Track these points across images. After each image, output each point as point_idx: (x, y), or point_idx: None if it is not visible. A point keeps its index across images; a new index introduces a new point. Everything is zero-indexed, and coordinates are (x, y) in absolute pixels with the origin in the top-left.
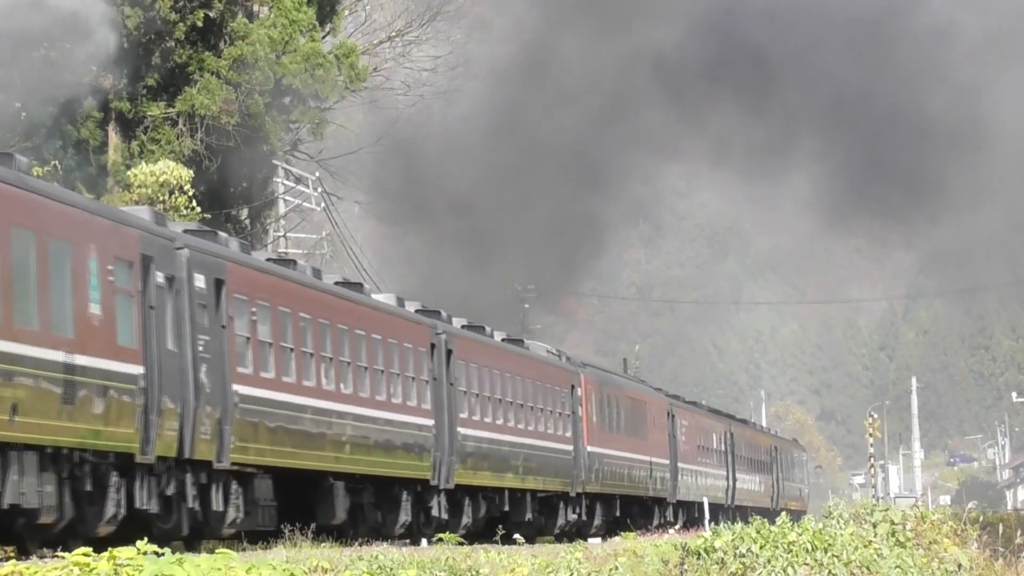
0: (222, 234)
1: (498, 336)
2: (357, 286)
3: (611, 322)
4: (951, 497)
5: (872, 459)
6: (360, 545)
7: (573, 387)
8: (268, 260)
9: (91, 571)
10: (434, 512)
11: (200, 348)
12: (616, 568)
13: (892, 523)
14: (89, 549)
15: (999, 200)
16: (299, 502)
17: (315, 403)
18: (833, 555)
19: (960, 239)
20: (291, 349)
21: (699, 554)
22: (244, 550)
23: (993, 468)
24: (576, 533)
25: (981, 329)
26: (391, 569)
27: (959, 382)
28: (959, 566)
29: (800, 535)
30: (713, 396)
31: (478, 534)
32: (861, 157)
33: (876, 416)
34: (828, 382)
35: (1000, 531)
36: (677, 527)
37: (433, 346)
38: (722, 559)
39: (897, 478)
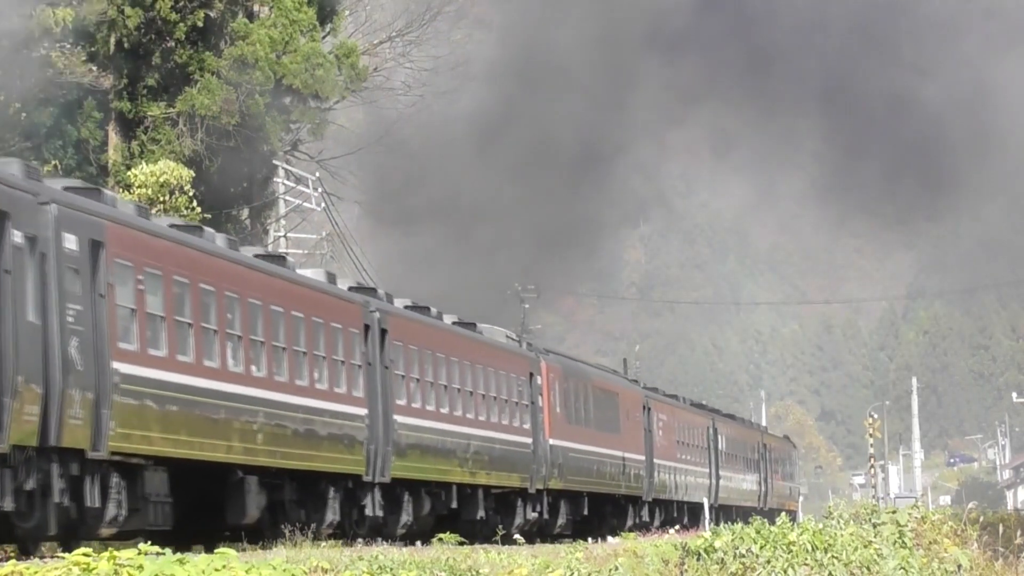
0: (108, 192)
1: (448, 319)
2: (279, 259)
3: (611, 322)
4: (951, 497)
5: (872, 459)
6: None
7: (532, 375)
8: (172, 227)
9: (91, 571)
10: (368, 510)
11: (70, 320)
12: (616, 568)
13: (899, 525)
14: (89, 549)
15: (999, 200)
16: (206, 499)
17: (219, 387)
18: (833, 556)
19: (960, 239)
20: (189, 325)
21: (699, 554)
22: (244, 550)
23: (993, 468)
24: (538, 533)
25: (981, 329)
26: (391, 569)
27: (959, 382)
28: (959, 567)
29: (800, 535)
30: (713, 396)
31: (423, 533)
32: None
33: (876, 416)
34: (828, 382)
35: (1000, 531)
36: (655, 526)
37: (366, 327)
38: (722, 559)
39: (897, 478)
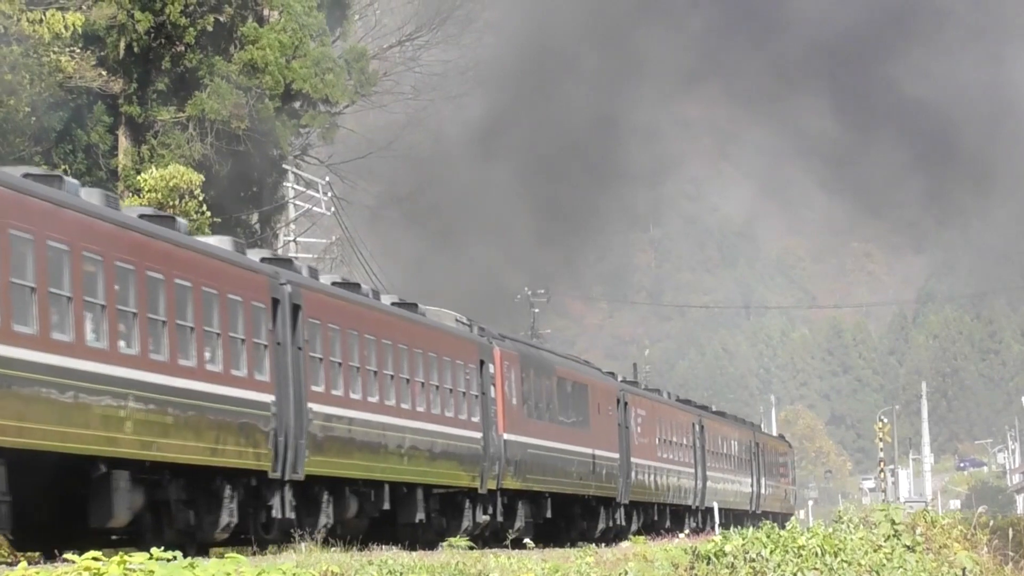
0: None
1: (387, 300)
2: (167, 220)
3: (621, 326)
4: (961, 502)
5: (882, 464)
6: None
7: (483, 362)
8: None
9: (101, 575)
10: (275, 511)
11: None
12: (626, 573)
13: (893, 523)
14: (99, 553)
15: (1009, 205)
16: (67, 496)
17: (71, 364)
18: (843, 560)
19: (970, 243)
20: (32, 289)
21: (709, 559)
22: (254, 554)
23: (1003, 473)
24: (492, 537)
25: (991, 334)
26: (401, 573)
27: (969, 386)
28: (963, 570)
29: (810, 539)
30: (723, 400)
31: (350, 537)
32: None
33: (886, 420)
34: (838, 387)
35: (1010, 535)
36: (633, 531)
37: (275, 301)
38: (732, 563)
39: (907, 483)
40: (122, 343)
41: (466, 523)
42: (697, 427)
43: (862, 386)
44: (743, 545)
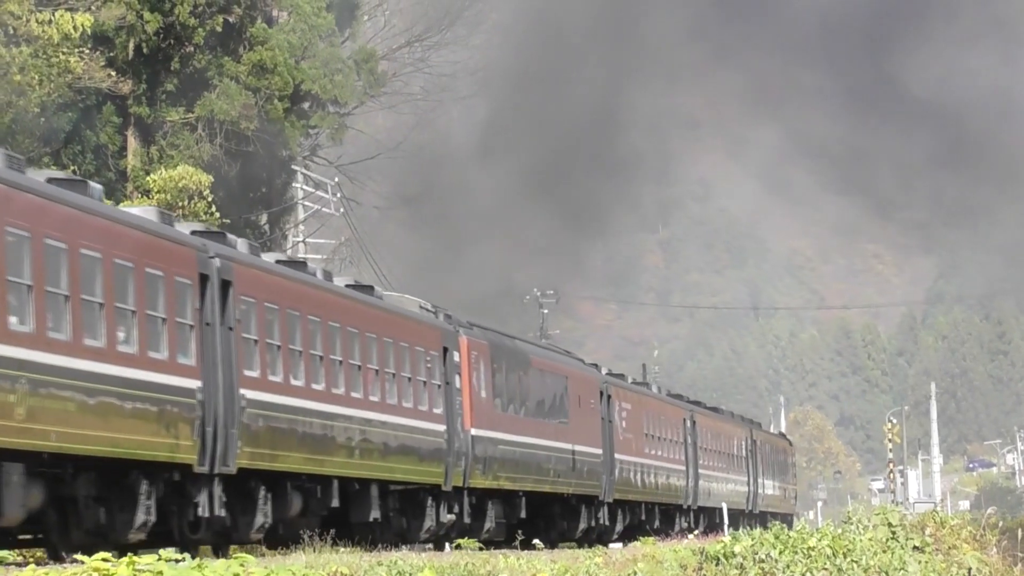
0: None
1: (340, 282)
2: (79, 184)
3: (629, 327)
4: (970, 503)
5: (891, 464)
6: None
7: (447, 350)
8: None
9: None
10: (202, 509)
11: None
12: (635, 573)
13: (890, 525)
14: (108, 554)
15: (1018, 205)
16: None
17: None
18: (852, 560)
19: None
20: None
21: (718, 559)
22: (263, 555)
23: (1012, 473)
24: (458, 538)
25: (1000, 335)
26: (410, 574)
27: (978, 387)
28: (969, 570)
29: (820, 540)
30: (732, 401)
31: (293, 538)
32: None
33: (895, 421)
34: (847, 387)
35: (1019, 536)
36: (618, 531)
37: (204, 277)
38: (741, 564)
39: (916, 483)
40: (13, 319)
41: (428, 523)
42: (688, 423)
43: (871, 387)
44: (752, 546)
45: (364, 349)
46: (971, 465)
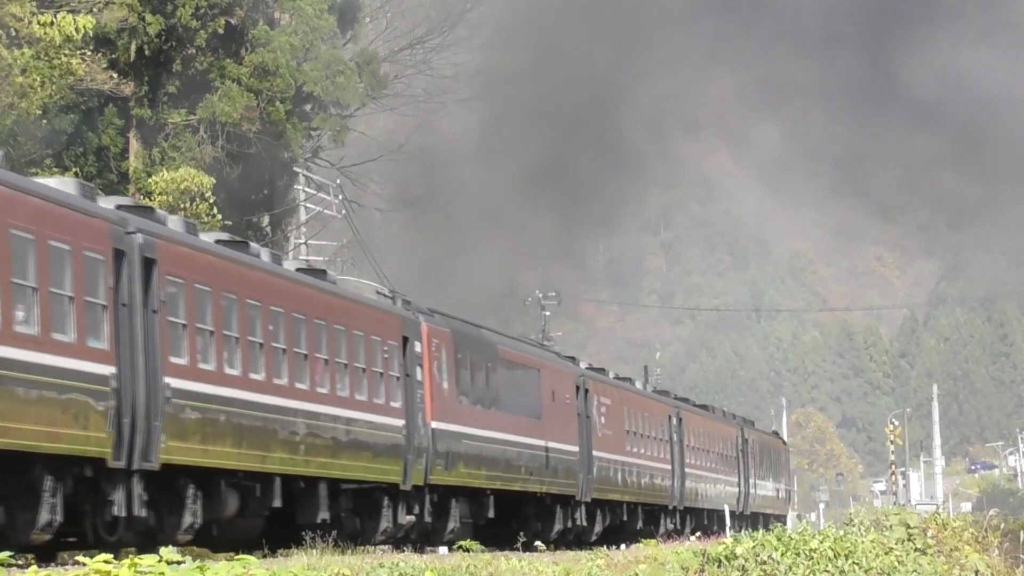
0: None
1: (290, 266)
2: None
3: (632, 330)
4: (972, 504)
5: (893, 466)
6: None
7: (407, 340)
8: None
9: None
10: (118, 508)
11: None
12: (636, 575)
13: (908, 527)
14: (110, 556)
15: (1021, 207)
16: None
17: None
18: (854, 562)
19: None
20: None
21: (720, 561)
22: (264, 556)
23: (1014, 475)
24: (420, 540)
25: (1002, 336)
26: None
27: (980, 389)
28: (976, 572)
29: (822, 542)
30: (734, 403)
31: (235, 542)
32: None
33: (897, 423)
34: (849, 389)
35: (1021, 538)
36: (597, 532)
37: (121, 253)
38: (743, 566)
39: (918, 485)
40: None
41: (385, 524)
42: (674, 420)
43: (873, 389)
44: (754, 548)
45: (312, 337)
46: (973, 467)
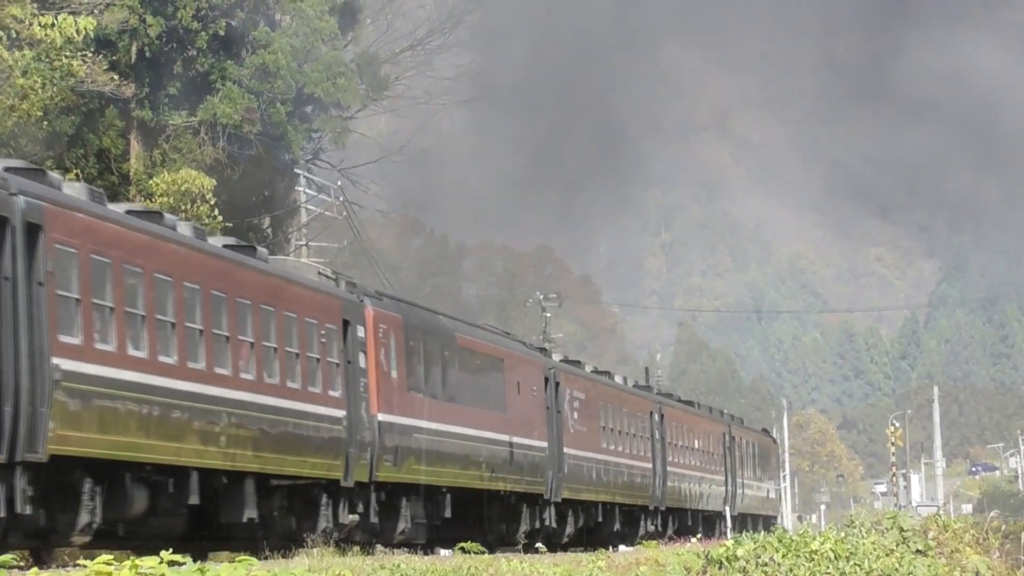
0: None
1: (218, 242)
2: None
3: (632, 331)
4: (973, 506)
5: (894, 468)
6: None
7: (349, 324)
8: None
9: None
10: None
11: None
12: None
13: (902, 530)
14: (111, 557)
15: (1021, 208)
16: None
17: None
18: (855, 563)
19: (982, 248)
20: None
21: (721, 563)
22: (266, 558)
23: (1015, 477)
24: (368, 540)
25: (1003, 338)
26: None
27: (981, 391)
28: (976, 574)
29: (823, 544)
30: (735, 405)
31: (149, 543)
32: (884, 168)
33: (898, 425)
34: (850, 391)
35: (1022, 540)
36: (568, 533)
37: (2, 220)
38: (744, 568)
39: (919, 487)
40: None
41: (324, 523)
42: (656, 416)
43: (874, 390)
44: (755, 549)
45: (235, 318)
46: (974, 469)
